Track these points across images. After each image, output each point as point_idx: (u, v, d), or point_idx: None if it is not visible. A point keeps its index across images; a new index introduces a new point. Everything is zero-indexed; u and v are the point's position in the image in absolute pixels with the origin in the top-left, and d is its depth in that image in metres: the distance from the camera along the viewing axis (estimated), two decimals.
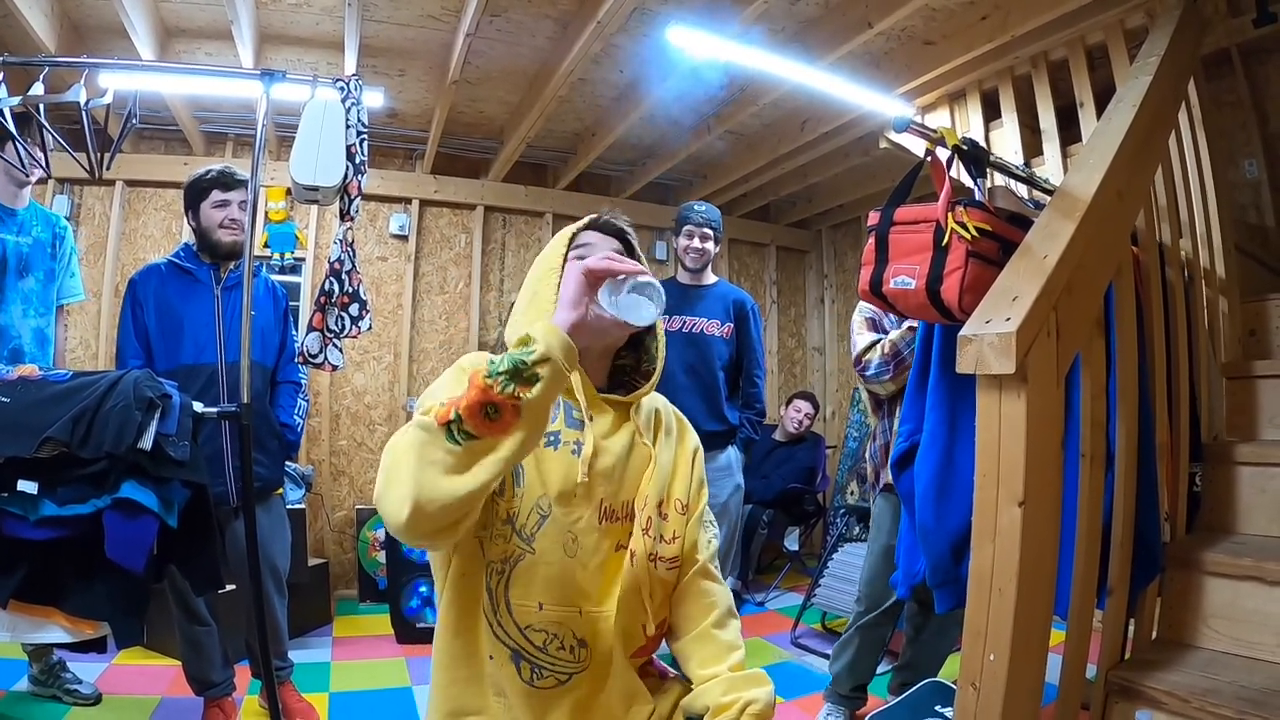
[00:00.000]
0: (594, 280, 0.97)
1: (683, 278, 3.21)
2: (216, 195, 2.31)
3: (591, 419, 1.12)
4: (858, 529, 3.80)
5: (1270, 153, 3.22)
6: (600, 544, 1.10)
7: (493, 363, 0.87)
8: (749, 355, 3.19)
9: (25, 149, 2.07)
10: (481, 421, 0.85)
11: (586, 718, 1.09)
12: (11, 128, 1.99)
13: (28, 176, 2.16)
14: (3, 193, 2.17)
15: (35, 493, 1.64)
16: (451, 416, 0.85)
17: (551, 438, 1.09)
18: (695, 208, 3.15)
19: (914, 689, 1.90)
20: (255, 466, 2.20)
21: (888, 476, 2.17)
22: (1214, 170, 2.32)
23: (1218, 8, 3.15)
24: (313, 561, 3.76)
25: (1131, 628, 1.73)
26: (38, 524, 1.64)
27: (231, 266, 2.36)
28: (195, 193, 2.34)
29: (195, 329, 2.28)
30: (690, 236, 3.12)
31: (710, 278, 3.22)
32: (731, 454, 3.15)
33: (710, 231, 3.14)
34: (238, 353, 2.15)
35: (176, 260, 2.36)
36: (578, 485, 1.07)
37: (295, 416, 2.51)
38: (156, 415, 1.73)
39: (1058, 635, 1.48)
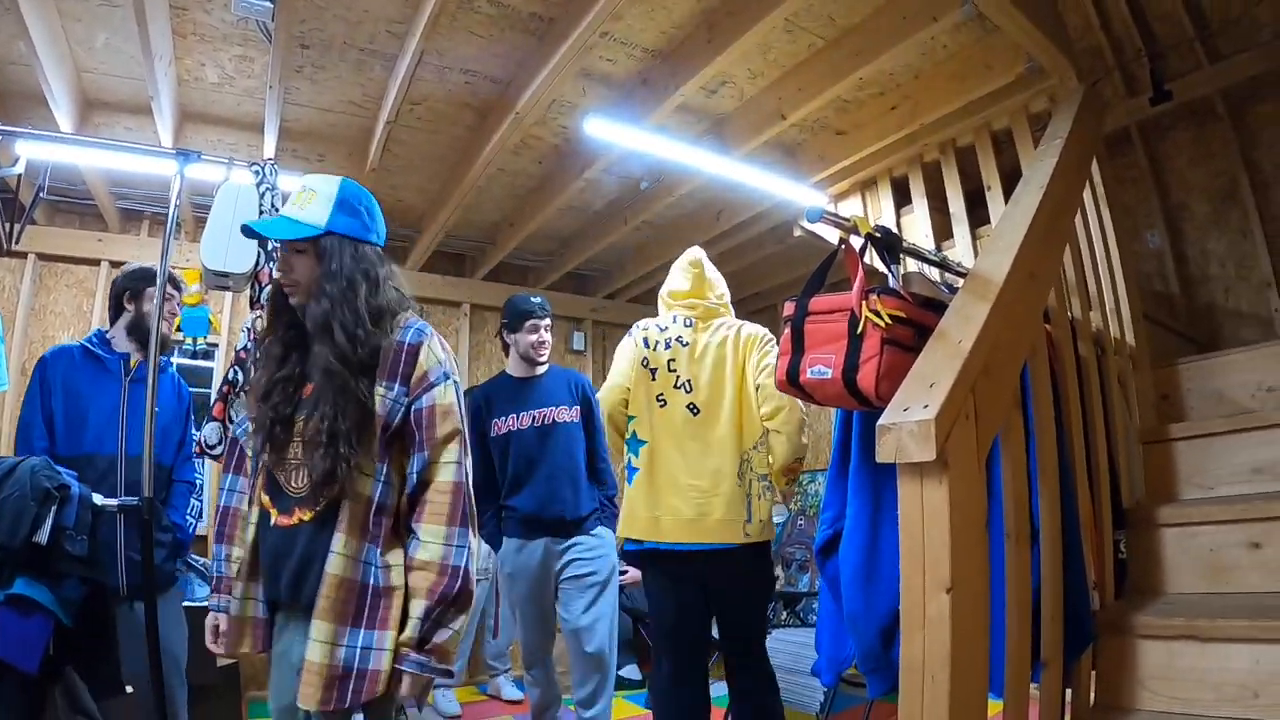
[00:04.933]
0: None
1: (517, 371, 3.01)
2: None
3: None
4: (785, 614, 3.76)
5: (1171, 223, 3.42)
6: None
7: None
8: (598, 436, 3.02)
9: None
10: None
11: None
12: None
13: None
14: None
15: None
16: None
17: None
18: (531, 299, 2.99)
19: None
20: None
21: None
22: (1119, 244, 2.44)
23: (1116, 89, 3.38)
24: (222, 662, 3.50)
25: (1069, 696, 1.74)
26: None
27: (140, 358, 2.33)
28: (142, 279, 2.34)
29: (99, 418, 2.24)
30: (535, 330, 2.94)
31: (542, 366, 3.04)
32: (607, 531, 2.95)
33: (550, 320, 3.00)
34: (138, 446, 2.15)
35: (89, 345, 2.33)
36: None
37: (188, 516, 2.45)
38: (54, 507, 1.64)
39: (995, 706, 1.46)
